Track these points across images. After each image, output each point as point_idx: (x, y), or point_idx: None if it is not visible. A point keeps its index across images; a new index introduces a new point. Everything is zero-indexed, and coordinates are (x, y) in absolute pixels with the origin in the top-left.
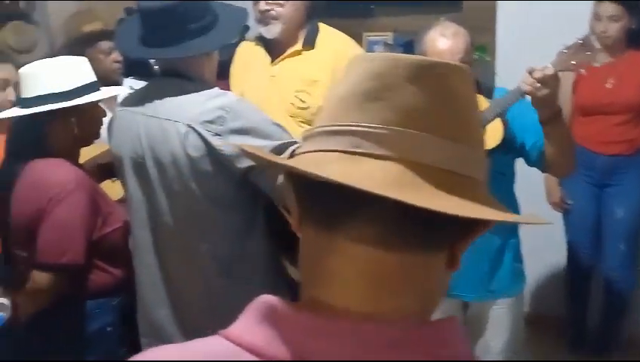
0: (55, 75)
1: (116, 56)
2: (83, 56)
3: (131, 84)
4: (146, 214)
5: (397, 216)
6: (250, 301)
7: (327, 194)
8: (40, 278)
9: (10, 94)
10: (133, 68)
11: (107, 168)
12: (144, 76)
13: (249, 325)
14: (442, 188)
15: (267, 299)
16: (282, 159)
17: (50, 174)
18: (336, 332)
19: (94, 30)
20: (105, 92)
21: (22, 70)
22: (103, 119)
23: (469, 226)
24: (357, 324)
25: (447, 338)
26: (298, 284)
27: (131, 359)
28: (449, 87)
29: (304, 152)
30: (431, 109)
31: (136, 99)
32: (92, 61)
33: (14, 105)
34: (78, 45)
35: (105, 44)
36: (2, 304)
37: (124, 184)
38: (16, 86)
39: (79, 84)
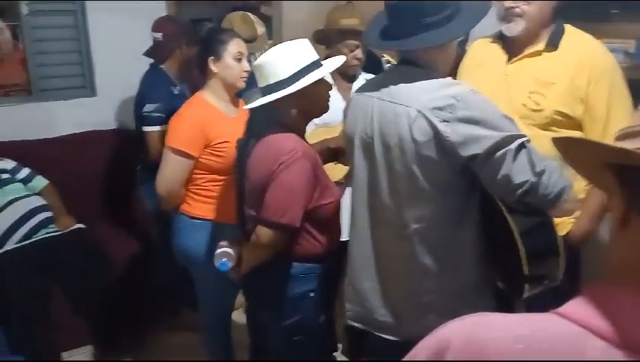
0: (281, 63)
1: (358, 53)
2: (331, 47)
3: (367, 78)
4: (367, 192)
5: None
6: (454, 288)
7: None
8: (262, 233)
9: (245, 65)
10: (370, 65)
11: (333, 152)
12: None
13: (592, 309)
14: None
15: (604, 285)
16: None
17: (281, 143)
18: None
19: (348, 26)
20: (325, 68)
21: (255, 63)
22: (331, 93)
23: None
24: None
25: None
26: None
27: (468, 317)
28: None
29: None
30: None
31: (373, 85)
32: (337, 54)
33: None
34: (330, 36)
35: (352, 42)
36: (229, 253)
37: (351, 162)
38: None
39: (302, 66)
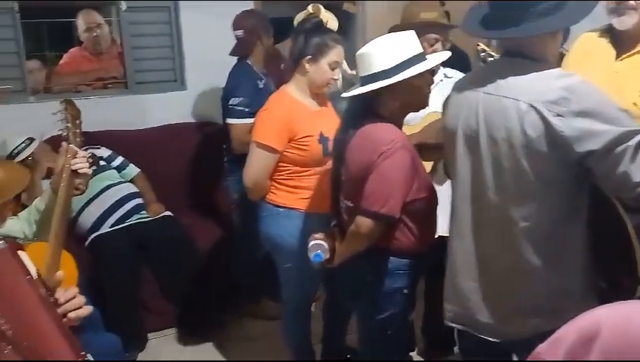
0: (385, 53)
1: (438, 47)
2: None
3: (445, 72)
4: (470, 188)
5: None
6: (560, 288)
7: None
8: (362, 223)
9: (336, 74)
10: (454, 60)
11: (428, 147)
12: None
13: None
14: None
15: None
16: None
17: (381, 133)
18: None
19: (428, 19)
20: (429, 61)
21: (358, 52)
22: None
23: None
24: None
25: None
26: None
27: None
28: None
29: None
30: None
31: (477, 78)
32: None
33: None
34: (409, 29)
35: (432, 36)
36: (322, 245)
37: (453, 158)
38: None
39: (404, 58)
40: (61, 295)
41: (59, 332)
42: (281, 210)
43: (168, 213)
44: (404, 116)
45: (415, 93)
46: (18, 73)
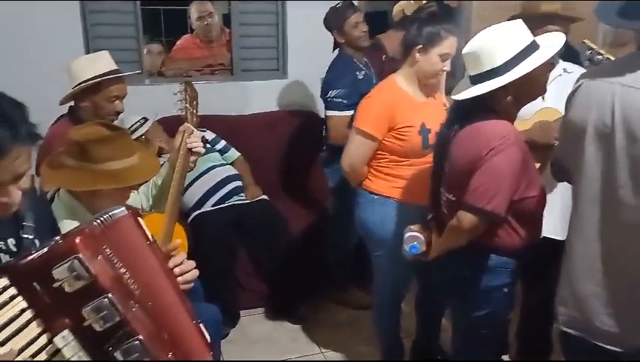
0: (495, 48)
1: None
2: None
3: (565, 67)
4: (600, 188)
5: None
6: None
7: None
8: (465, 218)
9: (447, 66)
10: (567, 56)
11: (536, 147)
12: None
13: None
14: None
15: None
16: None
17: (493, 128)
18: None
19: (550, 11)
20: (545, 51)
21: (465, 49)
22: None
23: None
24: None
25: None
26: None
27: None
28: None
29: None
30: None
31: (610, 70)
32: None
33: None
34: (528, 22)
35: (553, 27)
36: (419, 237)
37: (579, 156)
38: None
39: (518, 50)
40: (171, 260)
41: (177, 296)
42: (377, 197)
43: (265, 196)
44: (519, 109)
45: (533, 83)
46: (136, 57)
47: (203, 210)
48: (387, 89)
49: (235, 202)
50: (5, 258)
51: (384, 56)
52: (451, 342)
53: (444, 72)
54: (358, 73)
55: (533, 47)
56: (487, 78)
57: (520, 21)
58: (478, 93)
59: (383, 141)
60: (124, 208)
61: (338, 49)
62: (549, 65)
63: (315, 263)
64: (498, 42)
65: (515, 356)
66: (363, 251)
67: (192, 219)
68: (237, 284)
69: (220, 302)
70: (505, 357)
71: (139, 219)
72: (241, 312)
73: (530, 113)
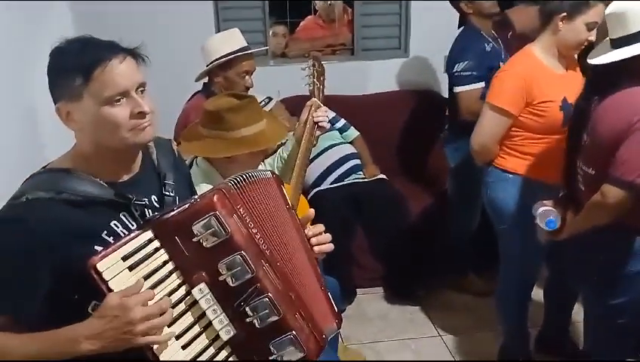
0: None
1: None
2: None
3: None
4: None
5: None
6: None
7: None
8: (610, 192)
9: (592, 36)
10: None
11: None
12: None
13: None
14: None
15: None
16: None
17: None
18: None
19: None
20: None
21: (608, 10)
22: None
23: None
24: None
25: None
26: None
27: None
28: None
29: None
30: None
31: None
32: None
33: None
34: None
35: None
36: (554, 211)
37: None
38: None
39: None
40: (309, 229)
41: (309, 262)
42: (510, 176)
43: (383, 175)
44: None
45: None
46: (262, 38)
47: (322, 187)
48: (523, 61)
49: (354, 180)
50: (149, 213)
51: (510, 34)
52: (584, 334)
53: (590, 43)
54: (486, 45)
55: None
56: (634, 41)
57: None
58: (624, 57)
59: (519, 117)
60: (269, 171)
61: (463, 26)
62: None
63: (433, 245)
64: None
65: None
66: (483, 236)
67: (312, 196)
68: (353, 262)
69: (337, 276)
70: None
71: (281, 184)
72: (358, 291)
73: None
